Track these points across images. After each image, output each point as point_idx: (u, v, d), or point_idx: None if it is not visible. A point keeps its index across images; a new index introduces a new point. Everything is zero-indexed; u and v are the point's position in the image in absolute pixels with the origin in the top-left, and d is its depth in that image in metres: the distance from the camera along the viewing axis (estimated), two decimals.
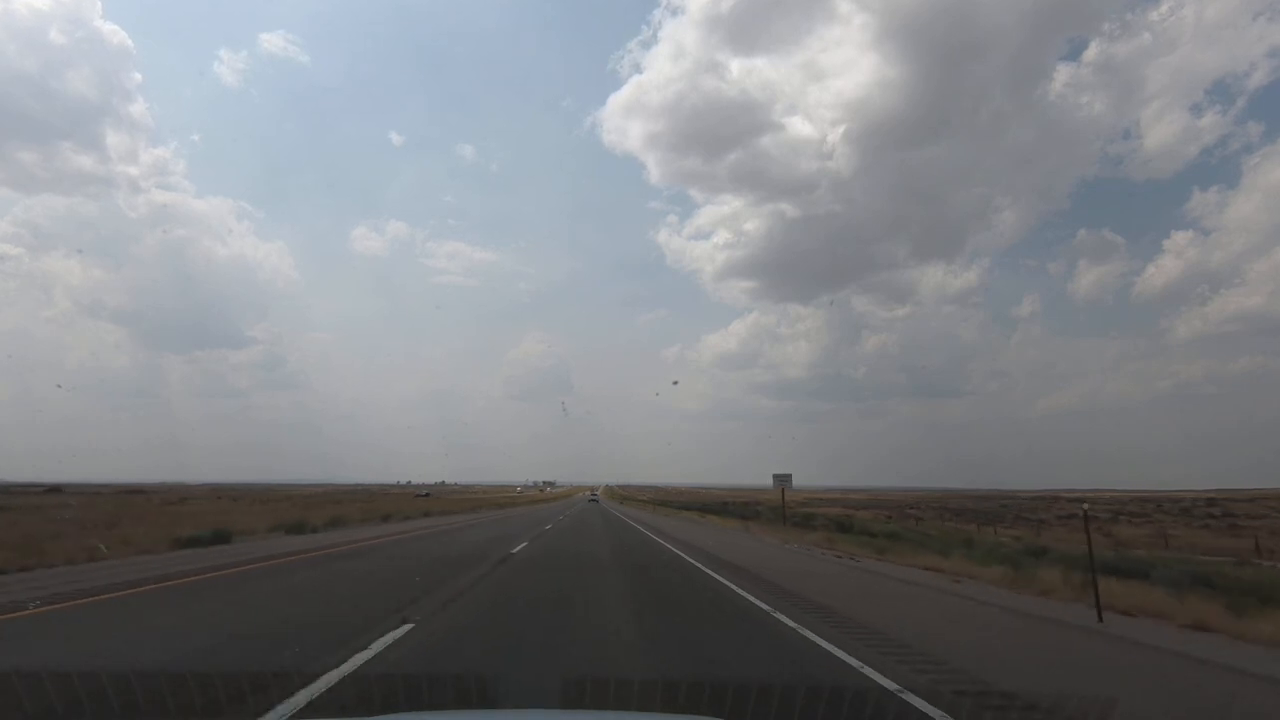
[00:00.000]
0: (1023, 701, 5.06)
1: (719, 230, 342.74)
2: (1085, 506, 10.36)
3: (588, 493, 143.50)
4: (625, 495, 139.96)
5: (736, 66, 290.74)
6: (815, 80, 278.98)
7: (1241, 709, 5.46)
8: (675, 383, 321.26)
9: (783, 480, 30.84)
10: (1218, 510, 69.08)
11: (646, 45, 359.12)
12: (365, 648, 5.92)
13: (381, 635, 6.41)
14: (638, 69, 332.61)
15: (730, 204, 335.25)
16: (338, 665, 5.31)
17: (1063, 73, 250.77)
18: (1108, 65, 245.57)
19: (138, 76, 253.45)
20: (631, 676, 5.31)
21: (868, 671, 5.87)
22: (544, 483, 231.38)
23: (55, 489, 68.98)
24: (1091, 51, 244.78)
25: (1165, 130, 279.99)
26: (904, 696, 5.15)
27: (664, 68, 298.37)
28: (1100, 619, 8.86)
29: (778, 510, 36.99)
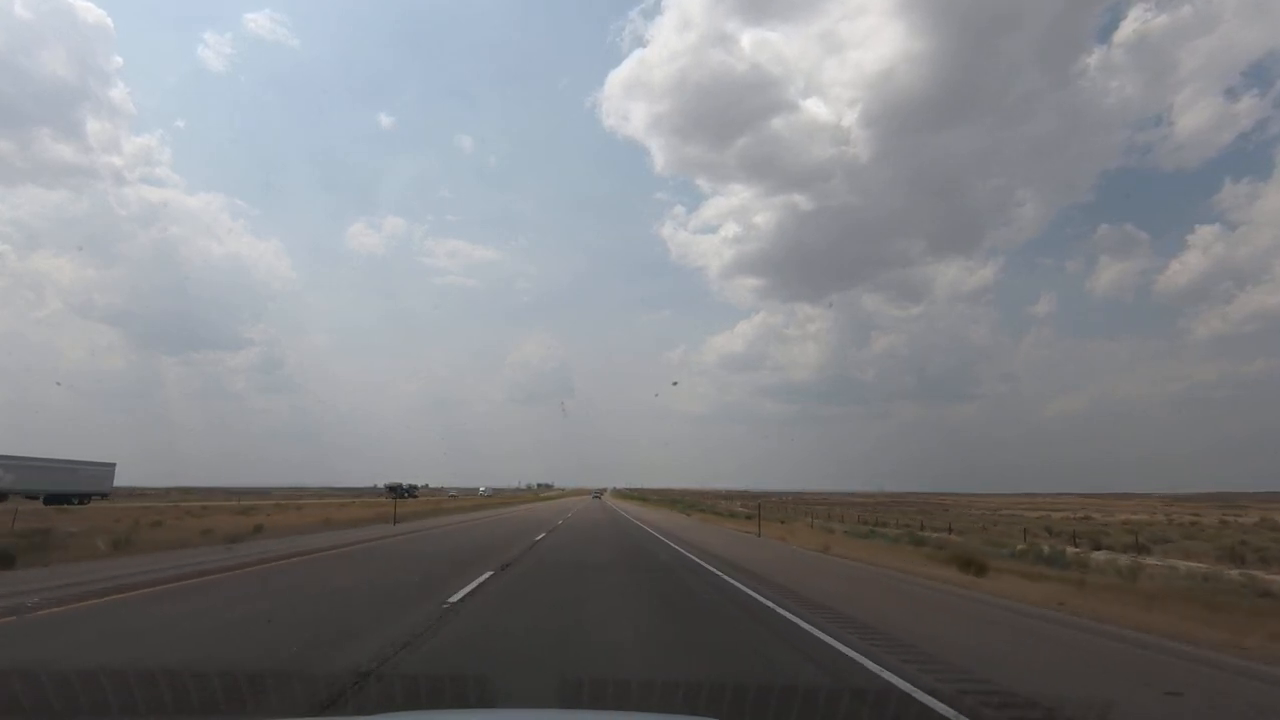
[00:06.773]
0: None
1: (727, 223, 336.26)
2: None
3: (589, 494, 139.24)
4: (694, 504, 72.59)
5: (748, 38, 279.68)
6: (833, 53, 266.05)
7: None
8: (675, 383, 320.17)
9: None
10: None
11: (649, 15, 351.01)
12: None
13: None
14: (640, 42, 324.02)
15: (740, 194, 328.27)
16: None
17: (1096, 51, 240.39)
18: (1143, 42, 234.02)
19: (118, 59, 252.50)
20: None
21: None
22: (538, 485, 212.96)
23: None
24: (1127, 28, 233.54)
25: (1198, 116, 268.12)
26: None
27: (669, 40, 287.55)
28: None
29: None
